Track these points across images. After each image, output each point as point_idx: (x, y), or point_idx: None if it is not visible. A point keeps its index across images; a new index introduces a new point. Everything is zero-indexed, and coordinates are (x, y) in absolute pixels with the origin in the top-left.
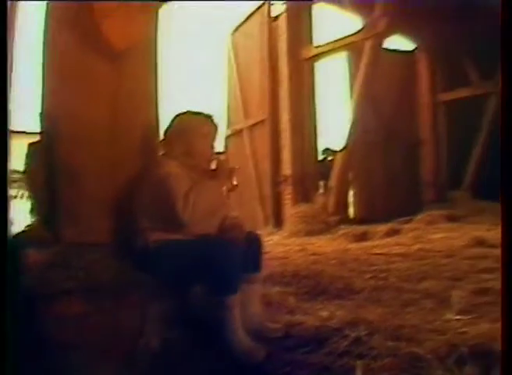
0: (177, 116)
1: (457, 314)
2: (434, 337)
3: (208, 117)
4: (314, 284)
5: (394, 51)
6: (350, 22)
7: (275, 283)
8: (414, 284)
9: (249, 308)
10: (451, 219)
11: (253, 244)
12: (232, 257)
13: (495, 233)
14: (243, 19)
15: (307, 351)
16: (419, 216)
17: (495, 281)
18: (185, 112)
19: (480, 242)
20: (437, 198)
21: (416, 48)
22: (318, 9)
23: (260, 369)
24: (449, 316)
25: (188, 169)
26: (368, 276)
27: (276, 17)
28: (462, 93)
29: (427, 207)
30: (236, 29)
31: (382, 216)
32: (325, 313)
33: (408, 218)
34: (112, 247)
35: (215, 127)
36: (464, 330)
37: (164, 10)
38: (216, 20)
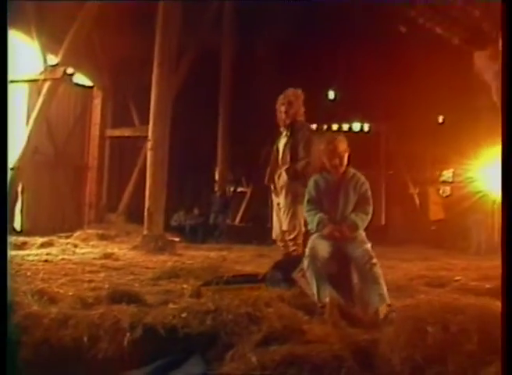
0: None
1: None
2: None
3: None
4: None
5: (77, 84)
6: (34, 57)
7: None
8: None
9: None
10: (103, 237)
11: None
12: None
13: (123, 251)
14: None
15: None
16: (77, 233)
17: (95, 279)
18: None
19: (107, 256)
20: (96, 218)
21: (93, 86)
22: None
23: None
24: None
25: None
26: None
27: None
28: (125, 132)
29: (87, 226)
30: None
31: (45, 229)
32: None
33: (69, 234)
34: None
35: None
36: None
37: None
38: None
